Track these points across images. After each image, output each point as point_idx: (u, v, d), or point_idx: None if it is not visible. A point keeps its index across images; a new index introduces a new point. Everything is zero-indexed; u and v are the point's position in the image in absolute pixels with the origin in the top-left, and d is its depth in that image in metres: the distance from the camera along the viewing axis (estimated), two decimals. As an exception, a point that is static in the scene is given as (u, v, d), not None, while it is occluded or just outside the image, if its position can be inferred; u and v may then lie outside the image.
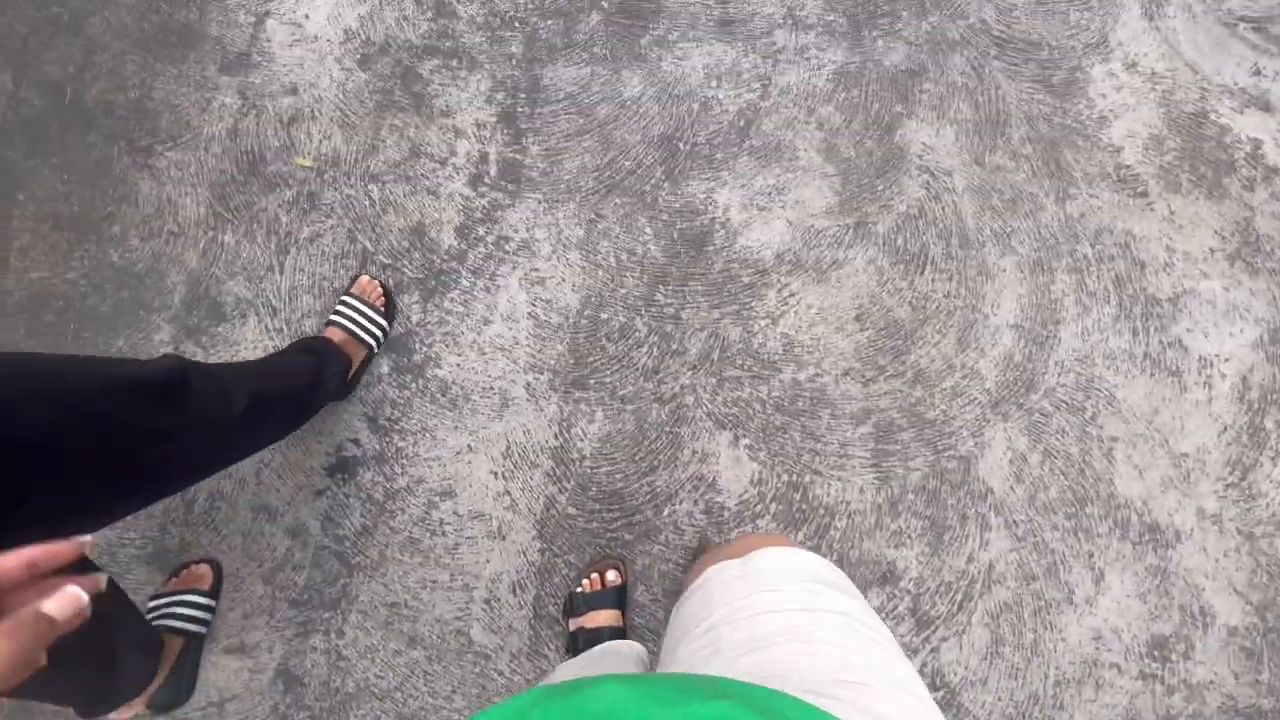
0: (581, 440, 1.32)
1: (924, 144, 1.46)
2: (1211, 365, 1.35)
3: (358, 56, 1.49)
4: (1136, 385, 1.35)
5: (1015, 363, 1.35)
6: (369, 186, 1.43)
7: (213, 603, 1.22)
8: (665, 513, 1.29)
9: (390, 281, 1.37)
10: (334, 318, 1.29)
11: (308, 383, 1.16)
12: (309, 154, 1.44)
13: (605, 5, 1.53)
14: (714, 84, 1.49)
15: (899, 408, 1.34)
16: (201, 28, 1.51)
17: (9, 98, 1.47)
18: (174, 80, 1.48)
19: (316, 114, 1.46)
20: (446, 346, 1.35)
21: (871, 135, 1.46)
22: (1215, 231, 1.41)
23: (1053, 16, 1.53)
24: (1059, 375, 1.35)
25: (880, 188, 1.44)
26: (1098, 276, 1.39)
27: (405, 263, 1.39)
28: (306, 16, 1.51)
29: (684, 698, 0.35)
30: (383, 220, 1.41)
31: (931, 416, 1.33)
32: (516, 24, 1.52)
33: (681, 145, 1.46)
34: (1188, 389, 1.34)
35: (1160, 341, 1.36)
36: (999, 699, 1.23)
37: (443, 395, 1.33)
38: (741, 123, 1.47)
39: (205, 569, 1.24)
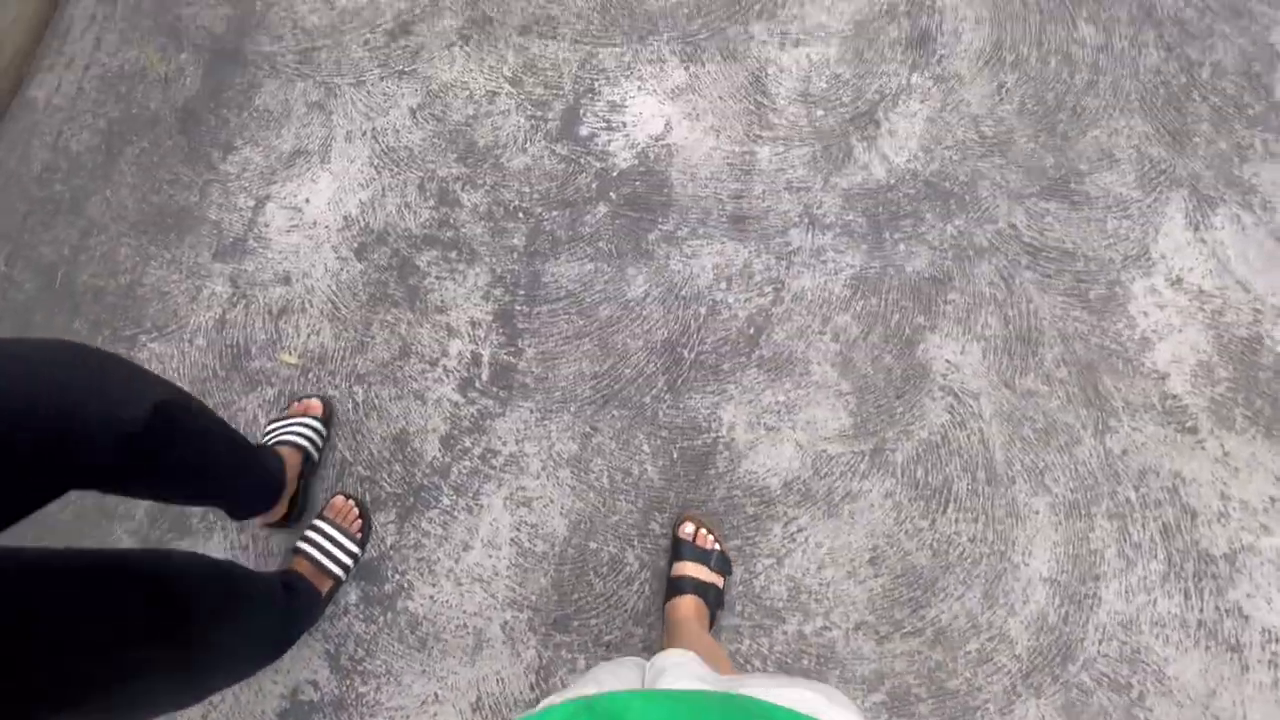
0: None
1: (948, 362, 1.35)
2: (1278, 640, 1.19)
3: (355, 245, 1.44)
4: (1190, 660, 1.19)
5: (1050, 625, 1.21)
6: (354, 388, 1.35)
7: None
8: (649, 786, 1.15)
9: (367, 497, 1.28)
10: (302, 545, 1.20)
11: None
12: (295, 350, 1.38)
13: (613, 196, 1.47)
14: (723, 286, 1.41)
15: (916, 673, 1.19)
16: (201, 210, 1.47)
17: (0, 279, 1.44)
18: (166, 265, 1.44)
19: (307, 306, 1.40)
20: (420, 575, 1.25)
21: (891, 350, 1.36)
22: (1277, 478, 1.27)
23: (1089, 224, 1.43)
24: (1100, 643, 1.20)
25: (899, 410, 1.32)
26: (1143, 525, 1.25)
27: (384, 475, 1.30)
28: (307, 201, 1.48)
29: None
30: (365, 426, 1.33)
31: (954, 686, 1.18)
32: (520, 214, 1.46)
33: (686, 353, 1.37)
34: (1250, 668, 1.18)
35: (1216, 607, 1.21)
36: None
37: (412, 633, 1.22)
38: (751, 330, 1.38)
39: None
